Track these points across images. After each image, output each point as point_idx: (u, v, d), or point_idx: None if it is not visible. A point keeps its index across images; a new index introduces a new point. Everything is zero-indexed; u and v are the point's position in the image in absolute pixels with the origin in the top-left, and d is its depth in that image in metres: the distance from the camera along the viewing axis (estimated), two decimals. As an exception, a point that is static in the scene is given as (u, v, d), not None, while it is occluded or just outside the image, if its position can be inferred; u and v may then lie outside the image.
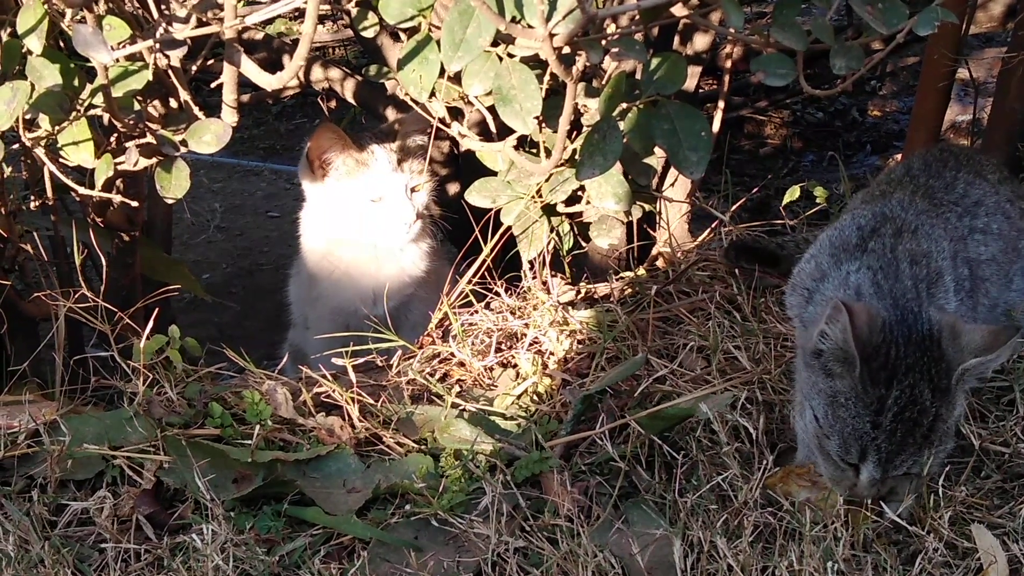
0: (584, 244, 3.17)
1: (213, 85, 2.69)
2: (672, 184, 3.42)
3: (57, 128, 2.54)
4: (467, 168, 3.50)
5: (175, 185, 2.54)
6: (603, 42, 2.31)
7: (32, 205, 2.98)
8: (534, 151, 2.89)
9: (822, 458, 2.24)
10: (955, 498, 2.29)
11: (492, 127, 2.78)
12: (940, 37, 3.42)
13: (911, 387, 2.12)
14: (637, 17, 2.50)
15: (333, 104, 3.90)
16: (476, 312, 3.01)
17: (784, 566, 2.11)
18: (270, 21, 3.72)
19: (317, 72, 3.68)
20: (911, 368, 2.13)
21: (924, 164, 2.72)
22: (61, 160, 2.62)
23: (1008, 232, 2.65)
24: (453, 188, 3.76)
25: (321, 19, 6.08)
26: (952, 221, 2.53)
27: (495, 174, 3.02)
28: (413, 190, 3.22)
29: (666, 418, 2.45)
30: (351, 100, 3.72)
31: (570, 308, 2.99)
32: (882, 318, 2.18)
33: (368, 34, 2.90)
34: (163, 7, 2.44)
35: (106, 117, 2.57)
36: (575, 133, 2.72)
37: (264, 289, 4.99)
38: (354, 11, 2.87)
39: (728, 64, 3.67)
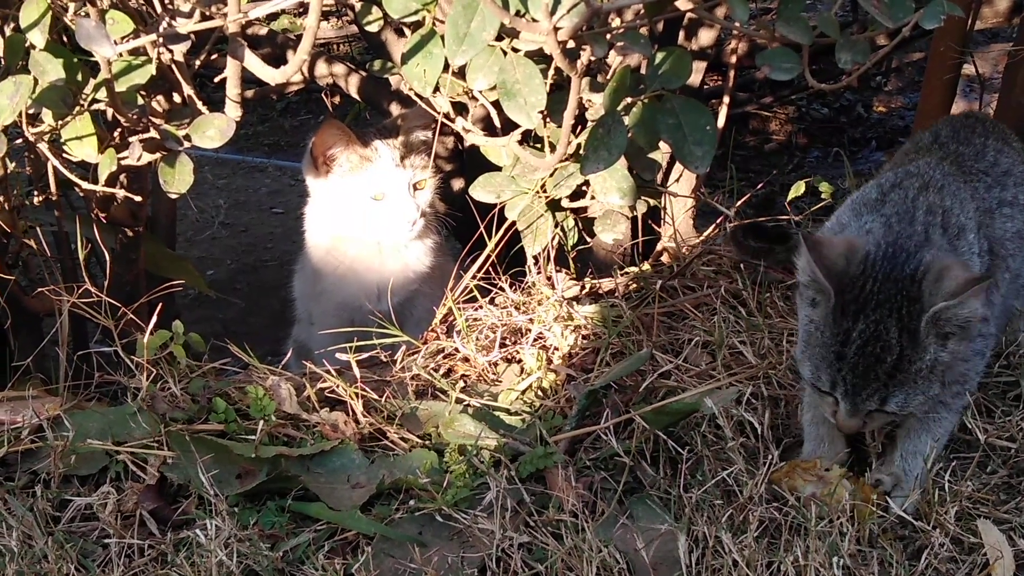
0: (589, 239, 3.17)
1: (217, 80, 2.69)
2: (677, 179, 3.41)
3: (60, 123, 2.53)
4: (471, 163, 3.50)
5: (179, 180, 2.54)
6: (608, 36, 2.31)
7: (36, 200, 2.97)
8: (538, 146, 2.88)
9: (808, 386, 2.30)
10: (961, 493, 2.28)
11: (496, 122, 2.78)
12: (946, 32, 3.42)
13: (877, 322, 2.16)
14: (642, 11, 2.49)
15: (337, 100, 3.89)
16: (480, 307, 3.00)
17: (790, 561, 2.10)
18: (274, 17, 3.74)
19: (321, 68, 3.68)
20: (881, 304, 2.17)
21: (952, 131, 2.68)
22: (64, 155, 2.62)
23: None
24: (458, 183, 3.76)
25: (325, 15, 6.08)
26: (980, 192, 2.50)
27: (499, 169, 3.01)
28: (416, 187, 3.21)
29: (671, 413, 2.45)
30: (355, 96, 3.72)
31: (575, 303, 2.99)
32: (865, 251, 2.22)
33: (372, 29, 2.90)
34: (167, 1, 2.44)
35: (109, 112, 2.57)
36: (580, 128, 2.71)
37: (268, 285, 5.00)
38: (358, 6, 2.87)
39: (733, 60, 3.66)
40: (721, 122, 3.36)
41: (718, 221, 3.37)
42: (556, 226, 3.07)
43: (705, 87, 4.36)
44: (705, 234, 3.37)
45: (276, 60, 3.36)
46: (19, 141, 2.70)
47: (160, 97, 2.76)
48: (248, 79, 2.65)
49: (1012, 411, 2.51)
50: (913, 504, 2.27)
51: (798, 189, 3.51)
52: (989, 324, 2.41)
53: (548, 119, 2.72)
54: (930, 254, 2.23)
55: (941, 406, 2.37)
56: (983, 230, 2.44)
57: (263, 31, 3.71)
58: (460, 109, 2.86)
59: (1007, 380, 2.61)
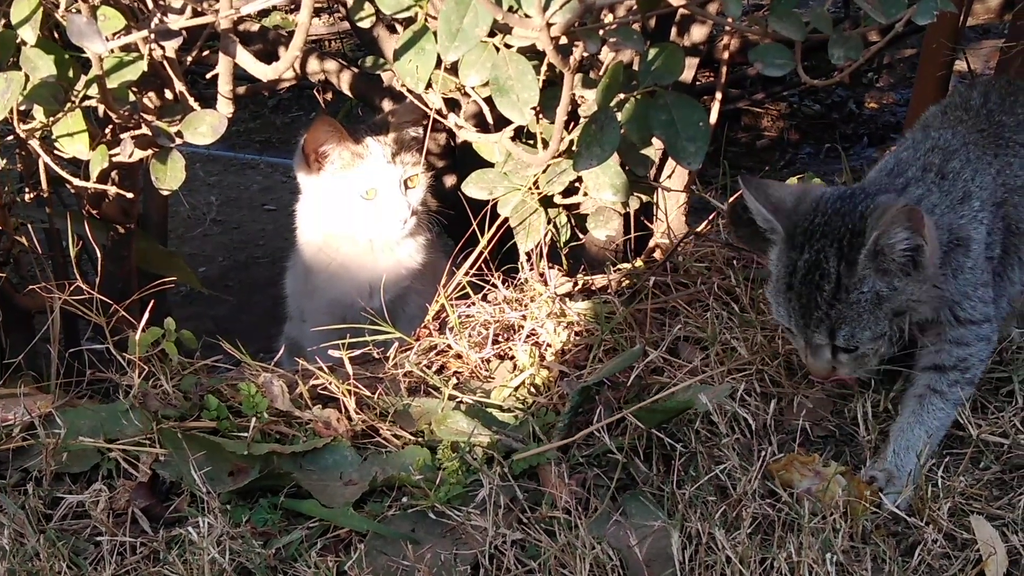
0: (581, 236, 3.17)
1: (208, 76, 2.68)
2: (670, 175, 3.41)
3: (52, 119, 2.53)
4: (464, 160, 3.49)
5: (170, 177, 2.54)
6: (600, 32, 2.30)
7: (27, 197, 2.97)
8: (531, 142, 2.88)
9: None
10: (954, 489, 2.28)
11: (489, 118, 2.77)
12: (938, 28, 3.42)
13: (818, 251, 2.24)
14: (635, 7, 2.49)
15: (329, 96, 3.88)
16: (473, 304, 3.00)
17: (783, 558, 2.10)
18: (266, 14, 3.72)
19: (313, 64, 3.67)
20: (826, 235, 2.25)
21: (1000, 97, 2.60)
22: (56, 152, 2.62)
23: None
24: (450, 180, 3.75)
25: (317, 11, 6.07)
26: (1015, 168, 2.47)
27: (492, 165, 3.01)
28: (408, 184, 3.20)
29: (664, 411, 2.44)
30: (347, 92, 3.71)
31: (567, 300, 2.98)
32: (820, 193, 2.32)
33: (364, 25, 2.89)
34: (158, -3, 2.44)
35: (101, 108, 2.57)
36: (572, 124, 2.71)
37: (260, 282, 5.00)
38: (350, 2, 2.86)
39: (725, 56, 3.66)
40: (713, 118, 3.35)
41: (711, 217, 3.37)
42: (549, 222, 3.07)
43: (697, 83, 4.37)
44: (698, 229, 3.36)
45: (268, 56, 3.35)
46: (10, 138, 2.69)
47: (152, 93, 2.75)
48: (240, 76, 2.64)
49: (1005, 407, 2.51)
50: (906, 500, 2.27)
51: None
52: (992, 307, 2.43)
53: (541, 115, 2.72)
54: (888, 197, 2.28)
55: (936, 395, 2.40)
56: (1005, 208, 2.43)
57: (255, 27, 3.70)
58: (452, 105, 2.85)
59: (1000, 376, 2.61)
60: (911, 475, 2.32)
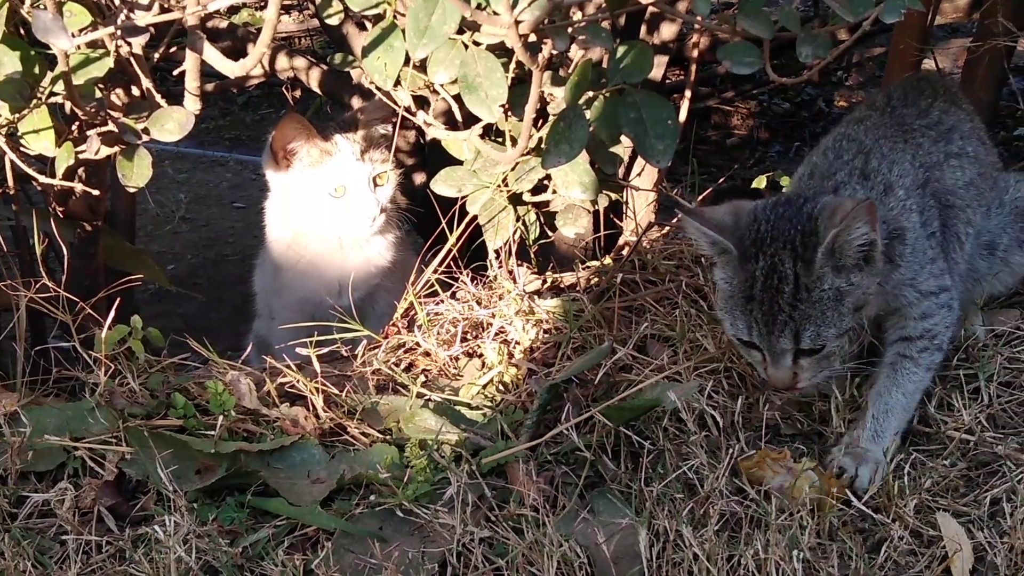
0: (551, 233, 3.16)
1: (176, 73, 2.67)
2: (639, 174, 3.41)
3: (17, 116, 2.51)
4: (433, 157, 3.49)
5: (137, 174, 2.52)
6: (569, 30, 2.30)
7: (-8, 195, 2.95)
8: (500, 140, 2.88)
9: (738, 348, 2.43)
10: (920, 486, 2.29)
11: (458, 116, 2.77)
12: (906, 26, 3.44)
13: (773, 255, 2.25)
14: (604, 5, 2.49)
15: (298, 94, 3.87)
16: (442, 302, 2.99)
17: (750, 555, 2.10)
18: (235, 11, 3.71)
19: (282, 61, 3.65)
20: (776, 239, 2.26)
21: (903, 93, 2.72)
22: (22, 149, 2.59)
23: (984, 157, 2.68)
24: (419, 178, 3.75)
25: (286, 9, 6.07)
26: (925, 147, 2.54)
27: (461, 163, 3.01)
28: (377, 182, 3.20)
29: (632, 408, 2.45)
30: (317, 89, 3.70)
31: (536, 297, 2.98)
32: (752, 206, 2.34)
33: (333, 22, 2.88)
34: (125, -7, 2.42)
35: (67, 105, 2.55)
36: (541, 122, 2.71)
37: (230, 280, 4.98)
38: (319, -1, 2.85)
39: (695, 54, 3.66)
40: (683, 116, 3.36)
41: (679, 215, 3.37)
42: (518, 220, 3.06)
43: (667, 81, 4.36)
44: (667, 228, 3.36)
45: (237, 54, 3.33)
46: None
47: (119, 90, 2.74)
48: (209, 73, 2.63)
49: (971, 404, 2.52)
50: (882, 475, 2.33)
51: (759, 183, 3.53)
52: (947, 278, 2.50)
53: (510, 113, 2.72)
54: (829, 198, 2.33)
55: (908, 360, 2.46)
56: (931, 185, 2.50)
57: (223, 24, 3.68)
58: (421, 103, 2.85)
59: (966, 373, 2.62)
60: (895, 435, 2.40)
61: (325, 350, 2.79)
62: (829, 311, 2.24)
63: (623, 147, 2.90)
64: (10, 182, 2.87)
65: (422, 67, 2.52)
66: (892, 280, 2.41)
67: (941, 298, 2.47)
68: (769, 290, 2.25)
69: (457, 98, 2.60)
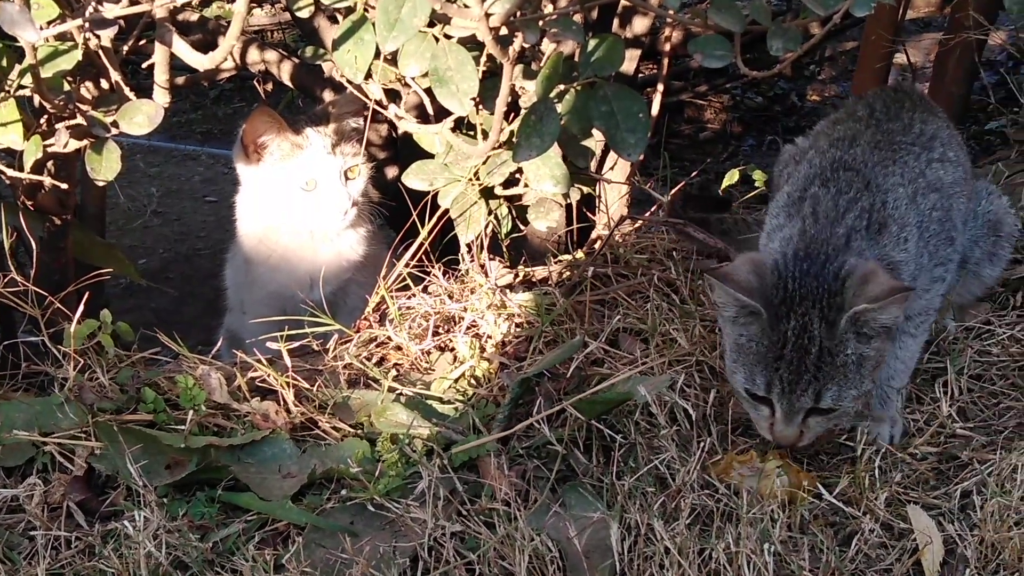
0: (523, 227, 3.16)
1: (146, 66, 2.65)
2: (612, 167, 3.41)
3: (-15, 109, 2.50)
4: (405, 151, 3.48)
5: (106, 167, 2.51)
6: (540, 23, 2.30)
7: (-40, 189, 2.93)
8: (472, 133, 2.87)
9: (741, 400, 2.37)
10: (891, 479, 2.30)
11: (430, 109, 2.76)
12: (878, 20, 3.45)
13: (803, 315, 2.22)
14: (575, -2, 2.49)
15: (270, 87, 3.86)
16: (413, 296, 2.99)
17: (721, 548, 2.10)
18: (207, 4, 3.69)
19: (253, 54, 3.65)
20: (805, 298, 2.23)
21: (885, 105, 2.68)
22: (-10, 142, 2.58)
23: (965, 162, 2.67)
24: (392, 171, 3.74)
25: (259, 2, 6.03)
26: (910, 163, 2.52)
27: (433, 157, 3.00)
28: (348, 175, 3.19)
29: (603, 402, 2.44)
30: (288, 83, 3.69)
31: (508, 291, 2.98)
32: (772, 261, 2.30)
33: (303, 15, 2.86)
34: (93, -15, 2.41)
35: (36, 98, 2.53)
36: (513, 115, 2.70)
37: (202, 274, 4.96)
38: (289, -8, 2.84)
39: (668, 48, 3.66)
40: (655, 110, 3.36)
41: (653, 208, 3.37)
42: (490, 214, 3.06)
43: (640, 75, 4.37)
44: (639, 222, 3.36)
45: (208, 47, 3.29)
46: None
47: (88, 83, 2.72)
48: (180, 66, 2.62)
49: (941, 397, 2.53)
50: (900, 432, 2.43)
51: (732, 177, 3.54)
52: (941, 268, 2.51)
53: (481, 106, 2.71)
54: (854, 258, 2.28)
55: (905, 335, 2.49)
56: (920, 191, 2.47)
57: (194, 17, 3.67)
58: (393, 96, 2.84)
59: (937, 367, 2.64)
60: (899, 395, 2.47)
61: (296, 344, 2.78)
62: (851, 373, 2.24)
63: (595, 141, 2.89)
64: (-23, 176, 2.85)
65: (393, 60, 2.51)
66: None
67: (936, 272, 2.50)
68: (798, 350, 2.22)
69: (428, 91, 2.59)
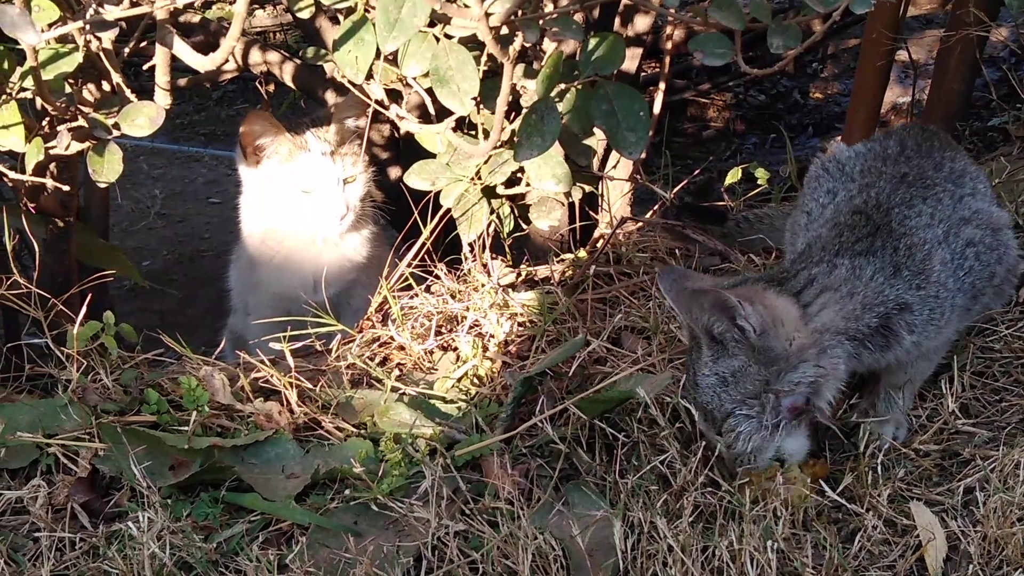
0: (525, 226, 3.16)
1: (147, 68, 2.65)
2: (615, 166, 3.41)
3: (-14, 112, 2.50)
4: (408, 151, 3.48)
5: (108, 169, 2.51)
6: (541, 22, 2.30)
7: (-37, 191, 2.93)
8: (473, 133, 2.87)
9: None
10: (894, 475, 2.30)
11: (431, 109, 2.76)
12: (879, 17, 3.44)
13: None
14: (575, -3, 2.49)
15: (272, 88, 3.86)
16: (416, 295, 2.99)
17: (724, 546, 2.10)
18: (208, 5, 3.69)
19: (255, 55, 3.65)
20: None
21: (916, 143, 2.65)
22: (-9, 145, 2.58)
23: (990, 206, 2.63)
24: (395, 172, 3.74)
25: (261, 3, 6.04)
26: (945, 201, 2.49)
27: (434, 156, 3.00)
28: (347, 181, 3.18)
29: (606, 400, 2.44)
30: (290, 84, 3.69)
31: (511, 290, 2.98)
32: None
33: (304, 15, 2.87)
34: (94, -13, 2.41)
35: (37, 100, 2.53)
36: (514, 115, 2.70)
37: (206, 276, 4.97)
38: (290, -7, 2.84)
39: (670, 46, 3.67)
40: (657, 108, 3.36)
41: (656, 207, 3.38)
42: (492, 213, 3.06)
43: (643, 74, 4.37)
44: (641, 221, 3.36)
45: (209, 48, 3.30)
46: (-56, 131, 2.65)
47: (89, 85, 2.72)
48: (183, 68, 2.62)
49: (945, 394, 2.53)
50: (904, 433, 2.46)
51: (735, 175, 3.53)
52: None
53: (482, 106, 2.71)
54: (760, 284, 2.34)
55: (923, 360, 2.50)
56: (953, 230, 2.44)
57: (196, 19, 3.67)
58: (394, 96, 2.84)
59: (940, 363, 2.63)
60: (911, 398, 2.52)
61: (299, 344, 2.78)
62: (719, 385, 2.30)
63: (598, 140, 2.90)
64: (-20, 179, 2.86)
65: (394, 60, 2.51)
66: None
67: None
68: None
69: (430, 91, 2.59)
